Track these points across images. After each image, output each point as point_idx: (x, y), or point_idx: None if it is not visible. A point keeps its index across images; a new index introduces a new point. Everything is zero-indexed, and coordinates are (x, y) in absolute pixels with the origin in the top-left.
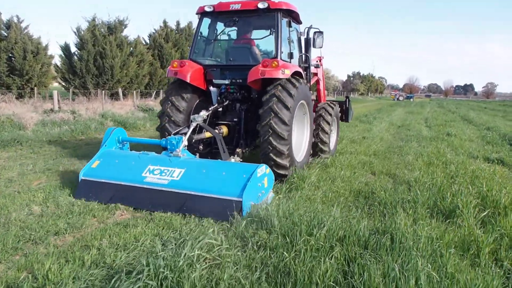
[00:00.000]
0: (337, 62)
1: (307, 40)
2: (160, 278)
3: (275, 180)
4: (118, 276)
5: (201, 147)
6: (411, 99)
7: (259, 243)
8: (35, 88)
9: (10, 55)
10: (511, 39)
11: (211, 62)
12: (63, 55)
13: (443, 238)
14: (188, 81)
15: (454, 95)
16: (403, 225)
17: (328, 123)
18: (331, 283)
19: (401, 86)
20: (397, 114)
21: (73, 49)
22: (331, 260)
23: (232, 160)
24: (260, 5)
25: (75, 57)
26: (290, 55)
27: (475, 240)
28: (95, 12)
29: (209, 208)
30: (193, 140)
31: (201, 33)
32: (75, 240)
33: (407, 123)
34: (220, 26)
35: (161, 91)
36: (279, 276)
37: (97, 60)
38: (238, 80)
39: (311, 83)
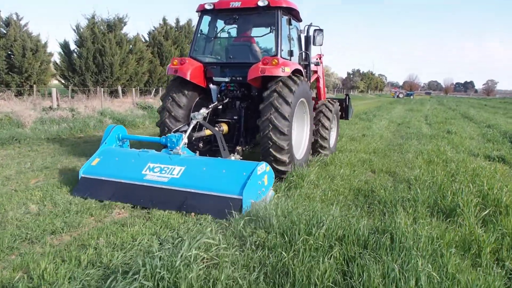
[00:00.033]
0: (336, 59)
1: (307, 38)
2: (156, 279)
3: (275, 177)
4: (114, 277)
5: (201, 145)
6: (411, 97)
7: (257, 243)
8: (34, 85)
9: (9, 52)
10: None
11: (211, 60)
12: (62, 53)
13: (443, 238)
14: (188, 78)
15: (454, 92)
16: (403, 224)
17: (329, 119)
18: (330, 284)
19: (401, 83)
20: (397, 112)
21: (73, 46)
22: (330, 260)
23: (232, 158)
24: (260, 3)
25: (75, 55)
26: (290, 53)
27: (476, 240)
28: (95, 10)
29: (209, 206)
30: (193, 138)
31: (201, 30)
32: (72, 239)
33: (407, 121)
34: (220, 23)
35: (161, 88)
36: (277, 276)
37: (97, 58)
38: (238, 78)
39: (311, 81)
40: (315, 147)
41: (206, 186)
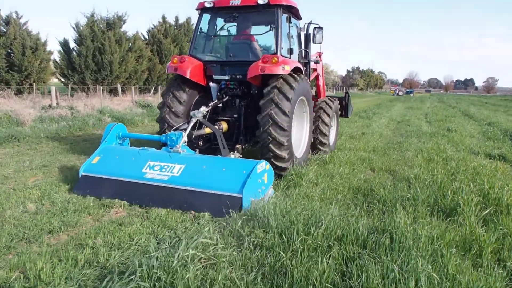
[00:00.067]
0: (336, 57)
1: (307, 36)
2: (153, 279)
3: (274, 175)
4: (110, 277)
5: (201, 143)
6: (411, 94)
7: (255, 242)
8: (34, 84)
9: (9, 51)
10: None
11: (211, 58)
12: (62, 51)
13: (443, 238)
14: (188, 77)
15: (455, 90)
16: (402, 223)
17: (328, 115)
18: (329, 285)
19: (400, 81)
20: (397, 110)
21: (72, 44)
22: (328, 260)
23: (232, 156)
24: (260, 1)
25: (74, 53)
26: (290, 51)
27: (476, 240)
28: (94, 8)
29: (209, 204)
30: (193, 136)
31: (201, 29)
32: (69, 239)
33: (406, 119)
34: (220, 22)
35: (160, 86)
36: (275, 276)
37: (96, 56)
38: (238, 76)
39: (311, 79)
40: (315, 143)
41: (206, 184)
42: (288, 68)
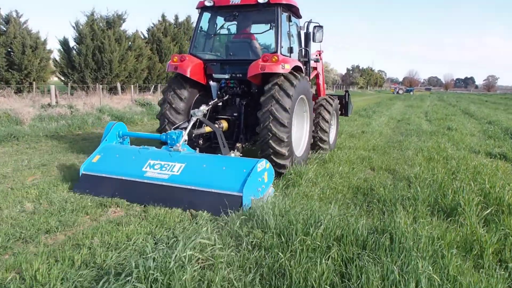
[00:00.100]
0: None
1: (307, 35)
2: (150, 280)
3: (274, 174)
4: (106, 278)
5: (201, 141)
6: (411, 93)
7: (253, 243)
8: (34, 82)
9: (9, 49)
10: None
11: (211, 57)
12: (61, 50)
13: (444, 238)
14: (188, 75)
15: (455, 88)
16: (402, 223)
17: (329, 112)
18: (328, 286)
19: (400, 79)
20: (397, 108)
21: (72, 43)
22: (327, 261)
23: (232, 154)
24: (260, 0)
25: (74, 52)
26: (290, 50)
27: (478, 240)
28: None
29: (209, 202)
30: (193, 135)
31: (201, 27)
32: (66, 239)
33: (406, 117)
34: (220, 20)
35: (159, 85)
36: (274, 278)
37: (96, 55)
38: (238, 75)
39: (311, 77)
40: (315, 140)
41: (206, 183)
42: (288, 67)
